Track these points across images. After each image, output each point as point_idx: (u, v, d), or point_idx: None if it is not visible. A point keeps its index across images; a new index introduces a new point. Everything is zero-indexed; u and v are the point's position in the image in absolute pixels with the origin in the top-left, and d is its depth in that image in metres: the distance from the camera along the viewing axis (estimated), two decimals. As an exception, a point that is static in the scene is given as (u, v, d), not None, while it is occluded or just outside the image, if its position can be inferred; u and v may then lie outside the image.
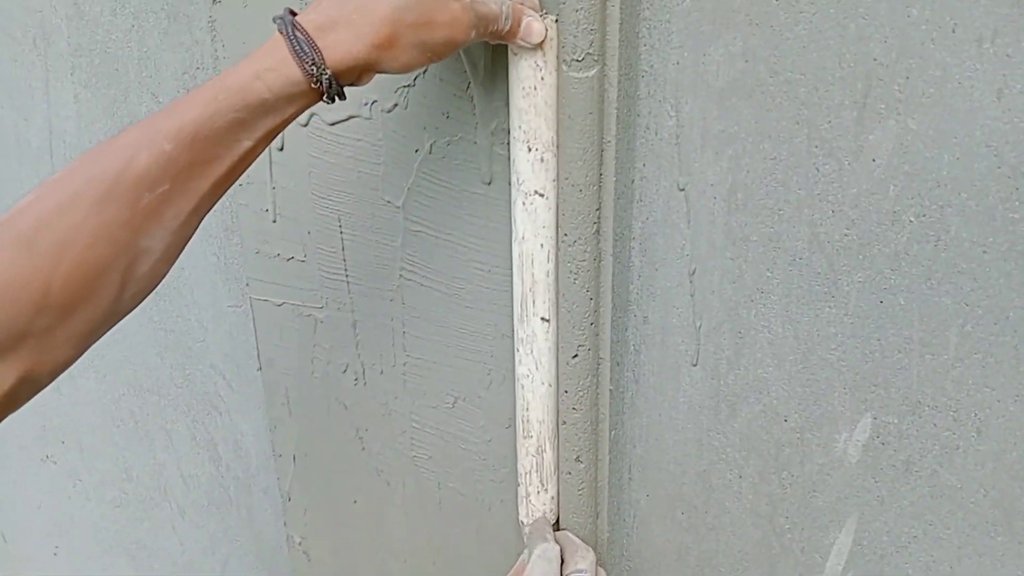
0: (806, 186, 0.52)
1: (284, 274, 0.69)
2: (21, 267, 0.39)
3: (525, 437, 0.60)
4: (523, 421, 0.60)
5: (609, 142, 0.53)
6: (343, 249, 0.65)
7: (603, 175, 0.54)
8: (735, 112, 0.52)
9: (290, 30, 0.43)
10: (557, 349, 0.57)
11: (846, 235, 0.52)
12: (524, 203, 0.54)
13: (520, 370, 0.58)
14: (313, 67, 0.43)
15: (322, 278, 0.67)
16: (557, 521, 0.63)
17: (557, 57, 0.51)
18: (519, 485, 0.62)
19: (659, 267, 0.59)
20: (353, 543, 0.77)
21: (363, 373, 0.69)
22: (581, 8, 0.49)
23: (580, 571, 0.56)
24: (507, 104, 0.53)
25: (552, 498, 0.61)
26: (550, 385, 0.58)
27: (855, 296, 0.53)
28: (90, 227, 0.41)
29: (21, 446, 1.03)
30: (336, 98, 0.45)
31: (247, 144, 0.44)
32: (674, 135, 0.55)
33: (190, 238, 0.46)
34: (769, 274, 0.55)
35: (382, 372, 0.68)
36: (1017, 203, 0.47)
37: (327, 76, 0.43)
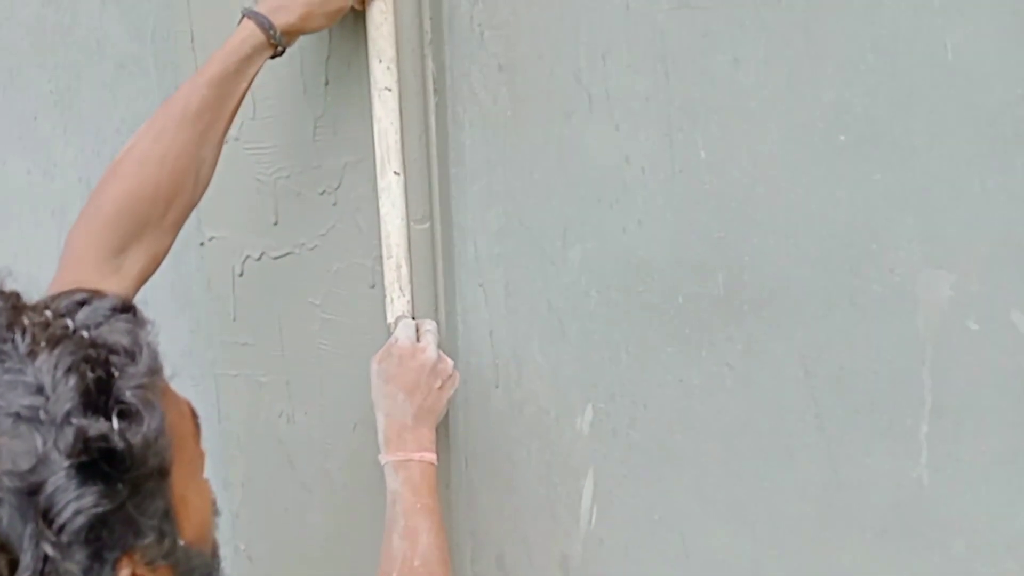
0: (542, 279, 0.98)
1: (240, 354, 1.08)
2: (141, 178, 0.78)
3: (388, 258, 0.94)
4: (386, 246, 0.94)
5: (438, 263, 0.98)
6: (281, 334, 1.06)
7: (436, 281, 0.98)
8: (503, 243, 0.99)
9: (254, 13, 0.83)
10: (406, 196, 0.93)
11: (564, 305, 0.98)
12: (379, 95, 0.91)
13: (383, 210, 0.93)
14: (271, 30, 0.83)
15: (266, 355, 1.07)
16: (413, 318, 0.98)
17: (395, 5, 0.89)
18: (385, 296, 0.97)
19: (472, 330, 1.03)
20: (285, 543, 1.13)
21: (293, 415, 1.08)
22: (416, 191, 0.94)
23: (428, 329, 0.94)
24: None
25: (408, 301, 0.96)
26: (402, 219, 0.94)
27: (574, 338, 0.99)
28: (176, 146, 0.79)
29: None
30: (284, 50, 0.84)
31: (244, 84, 0.84)
32: (474, 256, 1.00)
33: (220, 153, 0.84)
34: (530, 329, 1.00)
35: (306, 413, 1.07)
36: (639, 282, 0.95)
37: (278, 35, 0.83)
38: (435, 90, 0.93)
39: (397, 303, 0.98)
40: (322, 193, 1.00)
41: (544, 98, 0.93)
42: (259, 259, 1.04)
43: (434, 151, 0.95)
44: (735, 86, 0.87)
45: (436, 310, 0.99)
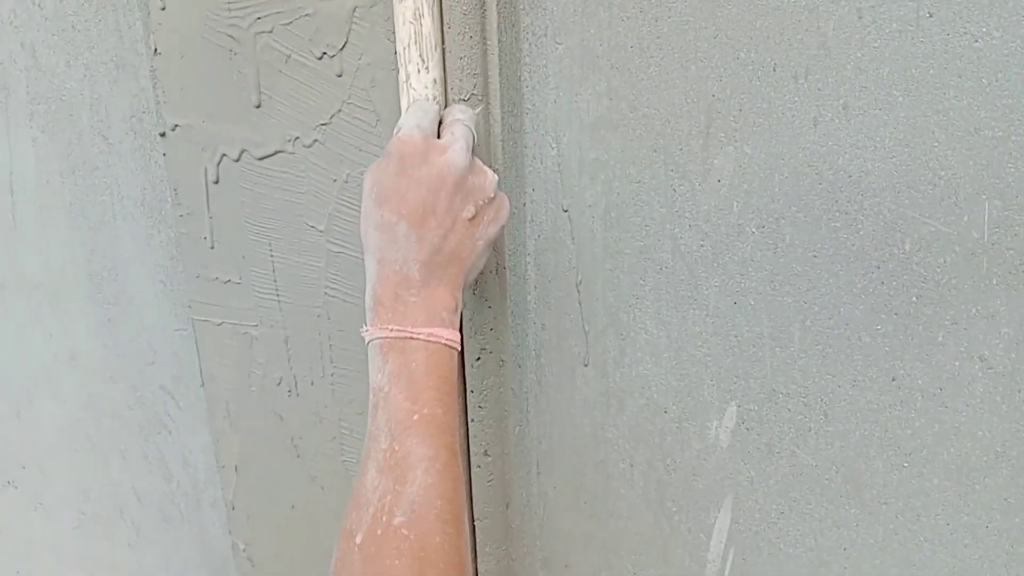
0: (666, 204, 0.60)
1: (222, 296, 0.76)
2: None
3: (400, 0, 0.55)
4: None
5: (497, 169, 0.61)
6: (274, 271, 0.72)
7: (494, 198, 0.62)
8: (604, 142, 0.61)
9: None
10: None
11: (702, 246, 0.60)
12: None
13: None
14: None
15: (256, 298, 0.74)
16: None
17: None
18: (398, 69, 0.58)
19: (551, 279, 0.66)
20: (293, 547, 0.83)
21: (295, 385, 0.76)
22: (464, 56, 0.57)
23: (458, 119, 0.56)
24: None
25: (435, 80, 0.57)
26: None
27: (713, 299, 0.61)
28: None
29: (-18, 472, 1.08)
30: None
31: None
32: (556, 163, 0.63)
33: None
34: (642, 282, 0.63)
35: (312, 383, 0.75)
36: (837, 213, 0.56)
37: None
38: None
39: (416, 81, 0.57)
40: (321, 57, 0.64)
41: None
42: (238, 159, 0.70)
43: (492, -17, 0.56)
44: None
45: (495, 248, 0.62)
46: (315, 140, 0.66)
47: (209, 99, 0.69)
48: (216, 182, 0.72)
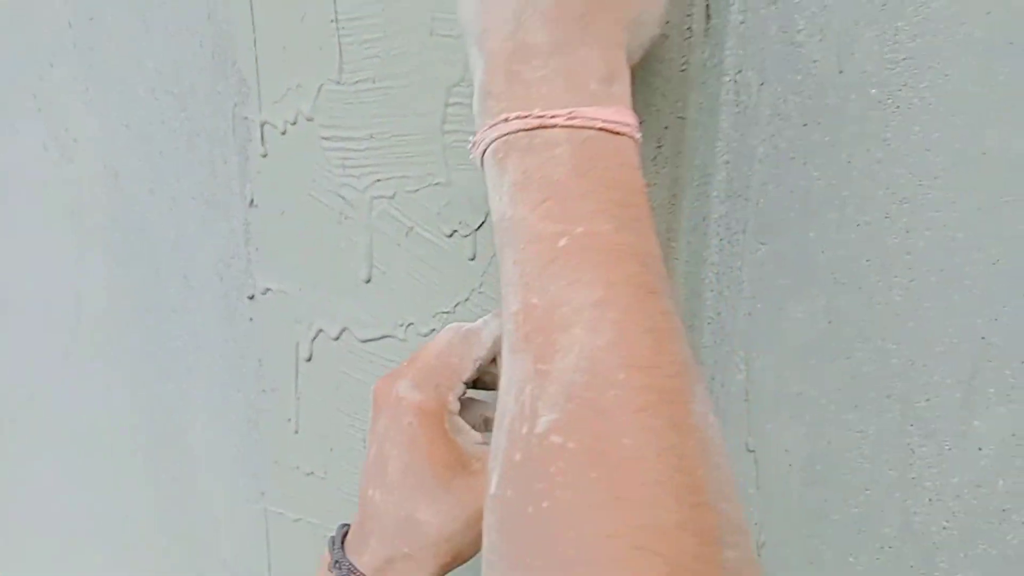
0: (899, 467, 0.45)
1: (302, 489, 0.63)
2: None
3: None
4: None
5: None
6: (367, 472, 0.59)
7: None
8: (815, 375, 0.46)
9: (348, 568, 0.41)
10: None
11: (945, 528, 0.44)
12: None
13: None
14: None
15: (342, 498, 0.61)
16: None
17: None
18: None
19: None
20: None
21: (381, 606, 0.62)
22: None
23: None
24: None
25: None
26: None
27: (958, 599, 0.45)
28: None
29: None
30: None
31: None
32: (743, 390, 0.49)
33: None
34: (852, 559, 0.47)
35: (402, 608, 0.61)
36: None
37: None
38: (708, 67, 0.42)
39: None
40: (452, 235, 0.51)
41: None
42: (338, 338, 0.58)
43: (684, 205, 0.43)
44: None
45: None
46: (432, 329, 0.54)
47: (310, 265, 0.58)
48: (309, 360, 0.59)
